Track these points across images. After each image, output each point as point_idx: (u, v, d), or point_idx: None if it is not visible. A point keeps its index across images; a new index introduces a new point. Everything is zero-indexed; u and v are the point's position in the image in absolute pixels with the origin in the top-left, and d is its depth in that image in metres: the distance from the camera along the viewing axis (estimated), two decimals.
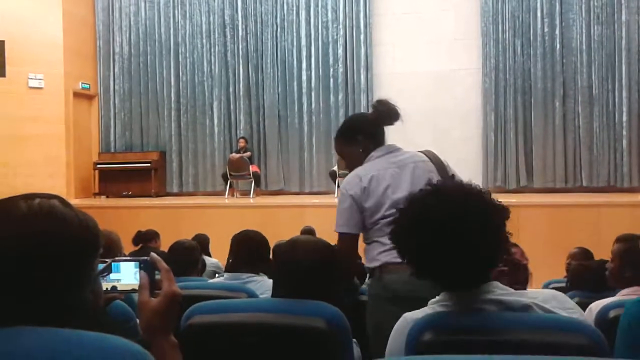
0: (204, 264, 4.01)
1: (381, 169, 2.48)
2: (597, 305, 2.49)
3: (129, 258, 1.27)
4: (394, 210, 2.32)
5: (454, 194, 1.49)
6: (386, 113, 2.57)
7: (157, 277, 1.20)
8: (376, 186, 2.44)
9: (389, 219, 2.34)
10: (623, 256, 2.65)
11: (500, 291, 1.49)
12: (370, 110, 2.63)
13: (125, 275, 1.26)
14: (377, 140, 2.59)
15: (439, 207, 1.44)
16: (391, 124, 2.59)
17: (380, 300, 2.37)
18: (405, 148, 2.64)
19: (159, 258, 1.22)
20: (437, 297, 1.55)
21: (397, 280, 2.30)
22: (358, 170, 2.54)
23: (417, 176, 2.45)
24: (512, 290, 1.53)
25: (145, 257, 1.23)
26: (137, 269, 1.23)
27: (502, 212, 1.47)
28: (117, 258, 1.29)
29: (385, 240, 2.32)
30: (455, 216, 1.42)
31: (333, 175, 9.30)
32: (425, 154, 2.59)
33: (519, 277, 2.28)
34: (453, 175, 2.49)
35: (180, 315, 1.72)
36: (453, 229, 1.41)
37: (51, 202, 1.03)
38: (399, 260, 2.25)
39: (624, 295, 2.51)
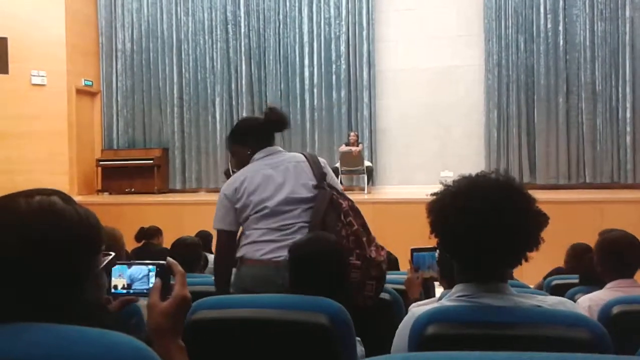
0: (206, 261, 4.01)
1: (255, 170, 2.66)
2: (583, 300, 2.50)
3: (146, 262, 1.27)
4: (260, 207, 2.56)
5: (491, 184, 1.49)
6: (276, 120, 2.77)
7: (172, 282, 1.21)
8: (247, 187, 2.62)
9: (256, 215, 2.57)
10: (602, 250, 2.71)
11: (511, 291, 1.50)
12: (263, 115, 2.81)
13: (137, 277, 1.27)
14: (264, 144, 2.75)
15: (477, 196, 1.45)
16: (280, 130, 2.80)
17: (237, 290, 2.53)
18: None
19: (174, 262, 1.22)
20: (452, 290, 1.55)
21: (248, 274, 2.51)
22: (238, 173, 2.73)
23: (289, 176, 2.62)
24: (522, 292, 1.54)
25: (162, 262, 1.23)
26: (151, 272, 1.24)
27: (534, 204, 1.48)
28: (133, 261, 1.29)
29: (251, 233, 2.59)
30: (493, 205, 1.43)
31: (335, 172, 9.29)
32: (304, 155, 2.75)
33: (372, 272, 2.38)
34: (325, 175, 2.64)
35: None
36: (490, 218, 1.42)
37: (51, 199, 1.03)
38: (255, 256, 2.50)
39: (609, 288, 2.54)
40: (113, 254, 1.16)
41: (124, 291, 1.26)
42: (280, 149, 2.79)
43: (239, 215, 2.63)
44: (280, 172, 2.64)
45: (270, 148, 2.74)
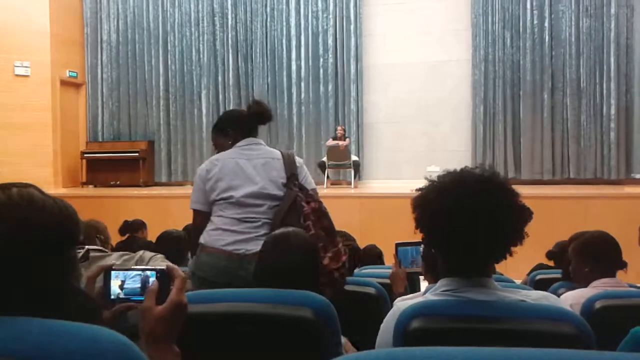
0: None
1: (229, 157, 2.71)
2: (566, 298, 2.50)
3: (145, 267, 1.24)
4: (226, 195, 2.60)
5: (476, 180, 1.49)
6: (259, 113, 2.81)
7: (172, 287, 1.18)
8: (218, 172, 2.67)
9: (221, 202, 2.62)
10: (580, 253, 2.66)
11: (496, 285, 1.51)
12: (246, 108, 2.86)
13: (129, 281, 1.23)
14: (246, 135, 2.80)
15: (461, 191, 1.46)
16: (263, 123, 2.86)
17: (194, 277, 2.55)
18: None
19: (175, 267, 1.20)
20: (436, 285, 1.55)
21: (208, 262, 2.54)
22: (214, 156, 2.80)
23: (259, 170, 2.66)
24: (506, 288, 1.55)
25: (162, 267, 1.21)
26: (148, 277, 1.21)
27: (517, 197, 1.49)
28: (133, 267, 1.26)
29: (216, 219, 2.63)
30: (478, 200, 1.43)
31: (322, 166, 9.29)
32: (281, 153, 2.79)
33: (322, 280, 2.27)
34: (296, 176, 2.66)
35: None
36: (476, 211, 1.42)
37: (29, 191, 1.02)
38: (215, 244, 2.53)
39: (595, 287, 2.52)
40: (87, 247, 1.15)
41: (121, 296, 1.21)
42: (261, 141, 2.83)
43: (207, 197, 2.67)
44: (252, 164, 2.68)
45: (252, 139, 2.78)
